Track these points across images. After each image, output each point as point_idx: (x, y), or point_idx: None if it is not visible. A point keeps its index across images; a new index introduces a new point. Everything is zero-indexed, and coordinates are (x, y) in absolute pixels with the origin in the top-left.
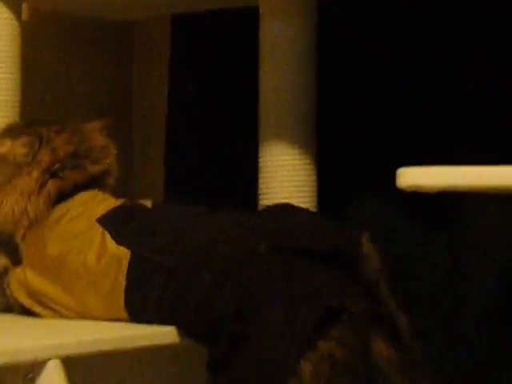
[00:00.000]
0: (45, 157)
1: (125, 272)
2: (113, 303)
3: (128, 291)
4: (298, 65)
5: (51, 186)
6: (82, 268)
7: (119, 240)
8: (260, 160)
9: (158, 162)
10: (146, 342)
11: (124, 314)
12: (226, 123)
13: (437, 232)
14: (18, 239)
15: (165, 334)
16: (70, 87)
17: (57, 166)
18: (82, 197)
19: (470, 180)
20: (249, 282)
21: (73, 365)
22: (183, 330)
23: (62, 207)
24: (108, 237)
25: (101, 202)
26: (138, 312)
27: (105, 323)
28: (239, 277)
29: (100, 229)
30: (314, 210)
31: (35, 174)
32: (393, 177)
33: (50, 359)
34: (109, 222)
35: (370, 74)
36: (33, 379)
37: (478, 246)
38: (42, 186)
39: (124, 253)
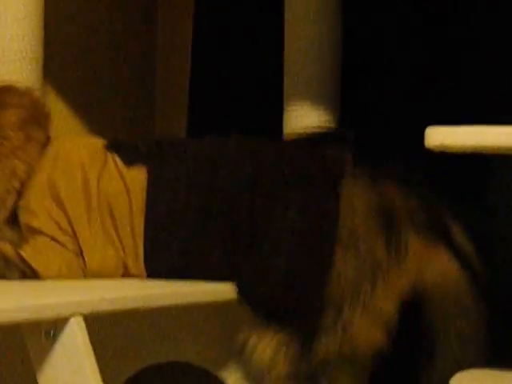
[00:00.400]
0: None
1: (144, 191)
2: (132, 223)
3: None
4: (323, 19)
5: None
6: (100, 194)
7: (131, 162)
8: (285, 117)
9: (181, 124)
10: (162, 302)
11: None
12: (250, 80)
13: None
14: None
15: (183, 293)
16: (95, 42)
17: None
18: (61, 141)
19: (500, 140)
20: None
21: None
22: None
23: (49, 151)
24: (119, 161)
25: (86, 139)
26: (161, 227)
27: (126, 282)
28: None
29: (107, 155)
30: None
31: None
32: (420, 135)
33: (72, 316)
34: (115, 148)
35: (398, 30)
36: (54, 336)
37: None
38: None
39: (140, 173)
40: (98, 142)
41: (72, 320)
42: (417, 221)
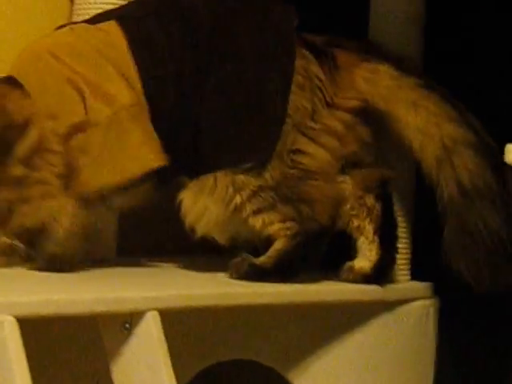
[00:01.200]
0: None
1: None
2: None
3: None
4: (406, 37)
5: None
6: None
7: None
8: None
9: None
10: (239, 301)
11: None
12: None
13: None
14: None
15: (251, 294)
16: None
17: None
18: None
19: None
20: None
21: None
22: None
23: None
24: None
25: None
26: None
27: (203, 278)
28: None
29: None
30: None
31: None
32: None
33: (148, 310)
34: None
35: None
36: (130, 329)
37: None
38: None
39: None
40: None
41: (148, 314)
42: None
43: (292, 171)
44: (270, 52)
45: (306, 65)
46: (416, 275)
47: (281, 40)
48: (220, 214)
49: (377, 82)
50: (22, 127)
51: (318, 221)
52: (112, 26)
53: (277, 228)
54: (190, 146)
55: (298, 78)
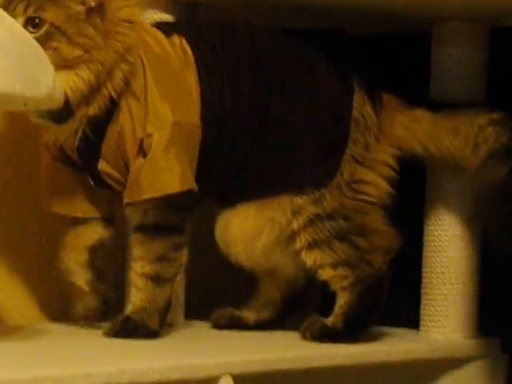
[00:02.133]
0: None
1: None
2: None
3: None
4: (469, 90)
5: None
6: None
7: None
8: None
9: None
10: (315, 364)
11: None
12: None
13: None
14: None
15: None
16: None
17: None
18: None
19: None
20: None
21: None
22: None
23: None
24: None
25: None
26: None
27: (276, 339)
28: None
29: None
30: None
31: None
32: None
33: (222, 376)
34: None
35: None
36: None
37: None
38: None
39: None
40: None
41: (222, 379)
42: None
43: (351, 202)
44: (331, 82)
45: (361, 102)
46: (485, 331)
47: (341, 74)
48: (272, 239)
49: (414, 131)
50: None
51: (372, 263)
52: (183, 44)
53: (330, 275)
54: (241, 168)
55: (354, 113)
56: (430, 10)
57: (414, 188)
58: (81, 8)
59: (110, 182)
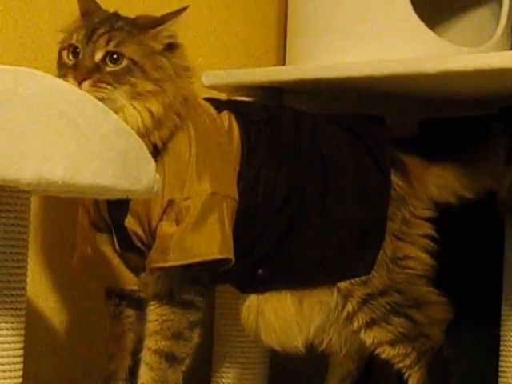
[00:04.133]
0: None
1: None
2: None
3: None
4: None
5: None
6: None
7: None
8: None
9: None
10: None
11: None
12: None
13: None
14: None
15: None
16: None
17: None
18: None
19: None
20: None
21: None
22: None
23: None
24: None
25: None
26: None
27: None
28: None
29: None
30: None
31: None
32: None
33: None
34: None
35: None
36: None
37: None
38: None
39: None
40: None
41: None
42: None
43: (400, 276)
44: (368, 167)
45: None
46: None
47: (376, 156)
48: (325, 322)
49: (446, 184)
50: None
51: (430, 336)
52: (232, 119)
53: (390, 354)
54: (270, 256)
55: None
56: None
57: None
58: (159, 46)
59: (135, 242)
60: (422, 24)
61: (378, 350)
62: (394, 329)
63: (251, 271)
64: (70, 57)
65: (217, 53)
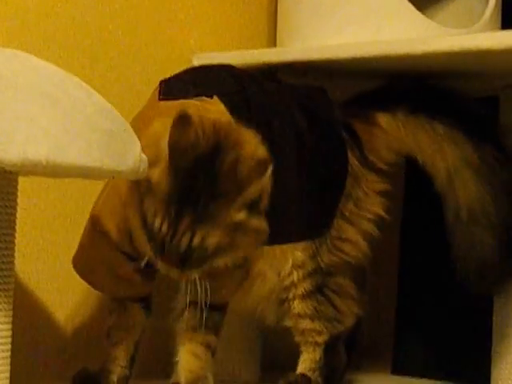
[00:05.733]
0: None
1: None
2: None
3: None
4: None
5: None
6: None
7: None
8: None
9: None
10: None
11: None
12: None
13: None
14: None
15: None
16: None
17: None
18: None
19: None
20: None
21: None
22: None
23: None
24: None
25: None
26: None
27: None
28: None
29: None
30: None
31: None
32: None
33: None
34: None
35: None
36: None
37: None
38: None
39: None
40: None
41: None
42: None
43: (334, 259)
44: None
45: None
46: None
47: (335, 131)
48: (273, 286)
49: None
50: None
51: (344, 323)
52: (217, 104)
53: (308, 327)
54: None
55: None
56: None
57: None
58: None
59: None
60: (410, 6)
61: (299, 321)
62: (318, 306)
63: None
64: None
65: (208, 35)
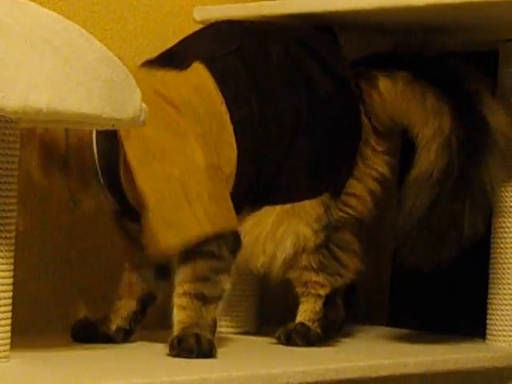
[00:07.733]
0: None
1: None
2: None
3: None
4: None
5: None
6: None
7: None
8: None
9: None
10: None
11: None
12: None
13: None
14: None
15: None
16: None
17: None
18: None
19: None
20: None
21: None
22: None
23: None
24: None
25: None
26: None
27: (348, 351)
28: None
29: None
30: None
31: None
32: None
33: None
34: None
35: None
36: None
37: None
38: None
39: None
40: None
41: None
42: None
43: (341, 214)
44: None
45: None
46: None
47: (346, 84)
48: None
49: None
50: None
51: (344, 278)
52: (199, 70)
53: (312, 279)
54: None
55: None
56: (496, 31)
57: None
58: None
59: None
60: None
61: (303, 273)
62: (323, 259)
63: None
64: None
65: None
